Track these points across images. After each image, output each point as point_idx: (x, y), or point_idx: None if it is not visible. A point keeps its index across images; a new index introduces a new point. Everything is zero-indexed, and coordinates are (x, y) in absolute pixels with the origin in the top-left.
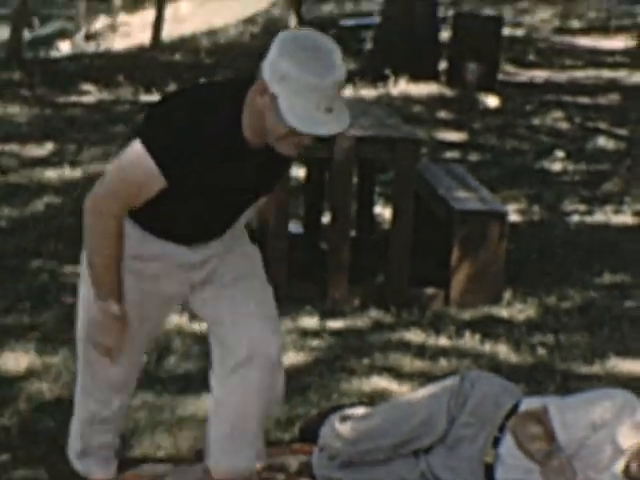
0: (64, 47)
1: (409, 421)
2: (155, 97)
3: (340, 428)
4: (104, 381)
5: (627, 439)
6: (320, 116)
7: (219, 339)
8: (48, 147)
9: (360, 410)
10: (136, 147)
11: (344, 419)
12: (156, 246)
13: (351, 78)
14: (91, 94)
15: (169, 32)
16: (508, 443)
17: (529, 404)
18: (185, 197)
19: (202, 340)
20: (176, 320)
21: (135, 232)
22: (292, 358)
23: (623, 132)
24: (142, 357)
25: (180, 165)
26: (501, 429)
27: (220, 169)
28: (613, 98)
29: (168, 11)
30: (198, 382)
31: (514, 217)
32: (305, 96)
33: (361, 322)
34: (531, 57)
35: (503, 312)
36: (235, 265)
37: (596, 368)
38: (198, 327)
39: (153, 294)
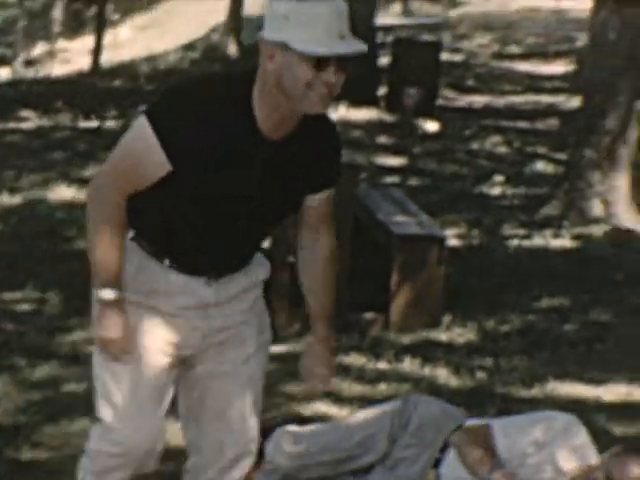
0: (3, 73)
1: (350, 439)
2: (94, 123)
3: (283, 443)
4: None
5: (568, 462)
6: (334, 41)
7: (193, 432)
8: None
9: (304, 427)
10: (140, 120)
11: (287, 434)
12: (171, 278)
13: None
14: (30, 120)
15: (108, 58)
16: (449, 463)
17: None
18: (191, 197)
19: None
20: None
21: (149, 264)
22: None
23: (562, 156)
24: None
25: (182, 141)
26: (442, 450)
27: (227, 155)
28: (552, 123)
29: (107, 37)
30: None
31: (453, 241)
32: (313, 26)
33: (301, 347)
34: (470, 82)
35: (442, 336)
36: (242, 348)
37: (535, 391)
38: None
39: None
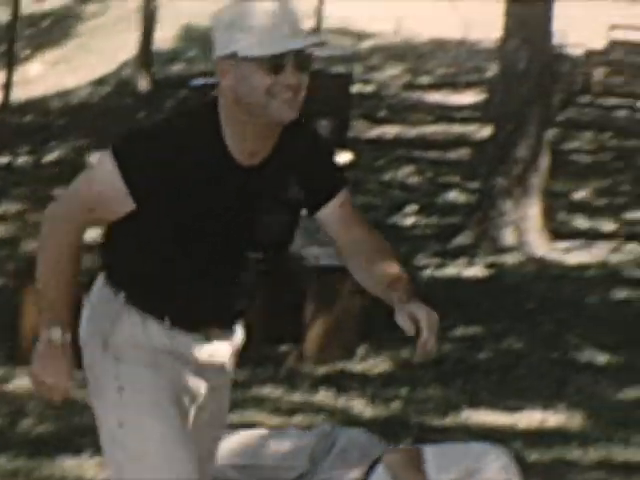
0: None
1: (268, 450)
2: (5, 159)
3: None
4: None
5: None
6: (285, 39)
7: None
8: None
9: (232, 433)
10: (105, 159)
11: None
12: (172, 337)
13: None
14: None
15: (19, 94)
16: None
17: None
18: (175, 239)
19: None
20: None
21: (151, 324)
22: None
23: (474, 186)
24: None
25: (150, 181)
26: (367, 472)
27: (200, 190)
28: (463, 152)
29: (18, 73)
30: (52, 445)
31: None
32: (259, 29)
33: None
34: (382, 113)
35: (357, 367)
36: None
37: (450, 420)
38: None
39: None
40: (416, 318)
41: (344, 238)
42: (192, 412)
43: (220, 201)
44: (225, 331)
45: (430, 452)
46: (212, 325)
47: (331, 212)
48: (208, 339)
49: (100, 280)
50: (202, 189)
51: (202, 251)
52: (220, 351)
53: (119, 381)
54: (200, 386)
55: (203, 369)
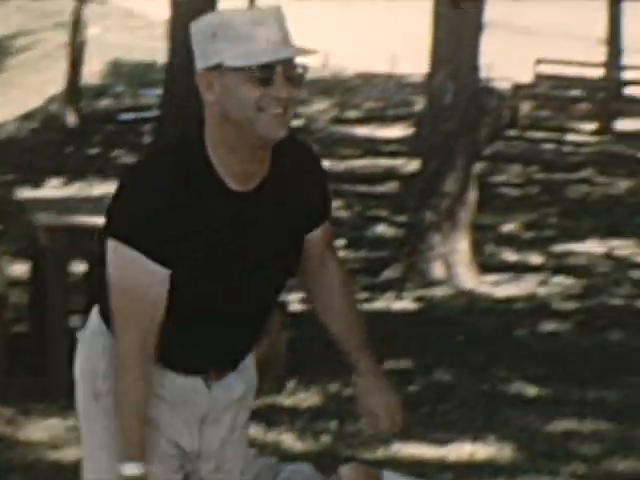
0: None
1: None
2: None
3: None
4: None
5: None
6: (273, 48)
7: None
8: None
9: None
10: (111, 248)
11: None
12: (166, 382)
13: None
14: None
15: None
16: None
17: None
18: (185, 287)
19: None
20: None
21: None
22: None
23: (402, 219)
24: None
25: (165, 237)
26: None
27: (205, 226)
28: (391, 186)
29: None
30: None
31: (296, 306)
32: (245, 38)
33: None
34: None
35: (287, 401)
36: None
37: (380, 453)
38: None
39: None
40: (374, 415)
41: (317, 270)
42: (202, 470)
43: (219, 234)
44: (229, 372)
45: (390, 476)
46: (213, 365)
47: (315, 240)
48: (207, 384)
49: (94, 316)
50: (201, 226)
51: (208, 291)
52: (219, 396)
53: (109, 440)
54: (208, 441)
55: (203, 422)
